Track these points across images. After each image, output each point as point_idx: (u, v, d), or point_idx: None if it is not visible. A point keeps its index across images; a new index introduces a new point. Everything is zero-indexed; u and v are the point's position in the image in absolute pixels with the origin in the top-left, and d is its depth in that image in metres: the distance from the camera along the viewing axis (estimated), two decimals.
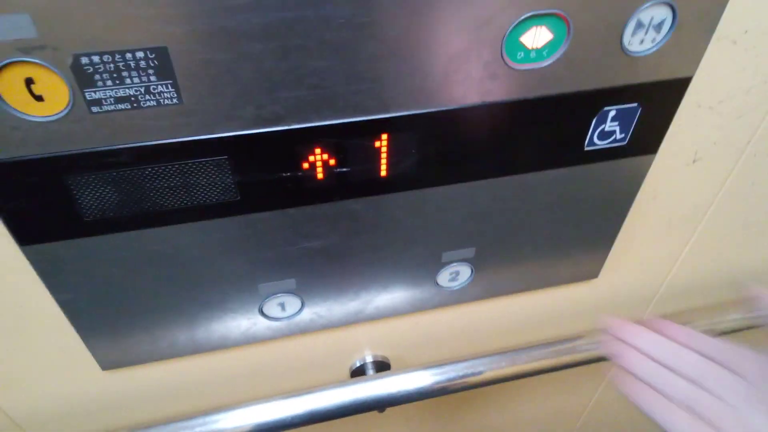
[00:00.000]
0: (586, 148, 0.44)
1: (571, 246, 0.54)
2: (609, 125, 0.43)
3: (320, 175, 0.39)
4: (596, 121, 0.42)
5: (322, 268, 0.47)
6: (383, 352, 0.62)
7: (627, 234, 0.55)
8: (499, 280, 0.56)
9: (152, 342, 0.48)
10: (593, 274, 0.59)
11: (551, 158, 0.44)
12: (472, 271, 0.53)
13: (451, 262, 0.51)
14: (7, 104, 0.30)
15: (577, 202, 0.49)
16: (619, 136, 0.44)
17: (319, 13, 0.31)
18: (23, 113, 0.31)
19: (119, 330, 0.46)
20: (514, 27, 0.34)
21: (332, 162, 0.39)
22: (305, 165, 0.38)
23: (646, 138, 0.45)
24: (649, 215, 0.55)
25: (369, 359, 0.62)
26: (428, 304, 0.56)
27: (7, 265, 0.39)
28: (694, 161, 0.50)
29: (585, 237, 0.53)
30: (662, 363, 0.35)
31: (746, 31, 0.41)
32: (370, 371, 0.61)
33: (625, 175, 0.48)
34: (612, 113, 0.42)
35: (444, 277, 0.53)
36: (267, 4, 0.29)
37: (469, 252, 0.51)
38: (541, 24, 0.35)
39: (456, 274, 0.53)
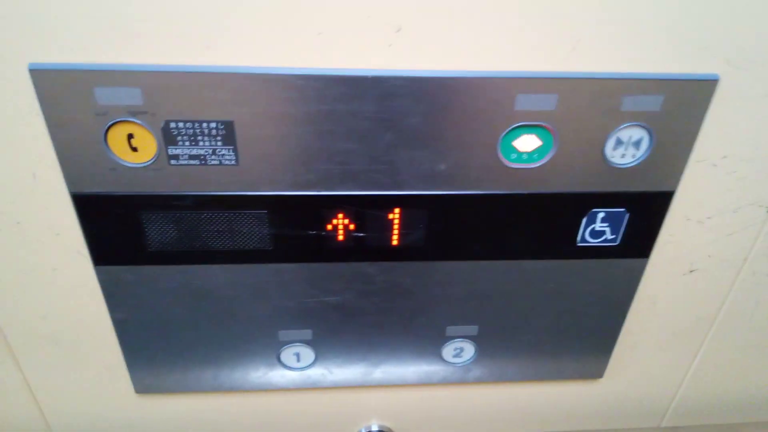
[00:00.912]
0: (579, 244, 0.50)
1: (571, 340, 0.57)
2: (599, 225, 0.49)
3: (340, 237, 0.47)
4: (586, 220, 0.48)
5: (337, 323, 0.53)
6: (389, 422, 0.65)
7: (629, 338, 0.58)
8: (503, 363, 0.59)
9: (182, 373, 0.55)
10: (597, 373, 0.62)
11: (546, 249, 0.50)
12: (475, 350, 0.57)
13: (456, 337, 0.56)
14: (111, 151, 0.40)
15: (574, 295, 0.53)
16: (610, 236, 0.49)
17: (348, 107, 0.40)
18: (121, 159, 0.41)
19: (157, 357, 0.54)
20: (507, 133, 0.42)
21: (351, 227, 0.46)
22: (329, 227, 0.46)
23: (637, 242, 0.50)
24: (650, 321, 0.58)
25: (375, 427, 0.65)
26: (434, 378, 0.60)
27: (83, 280, 0.48)
28: (690, 271, 0.54)
29: (584, 333, 0.57)
30: None
31: (725, 156, 0.47)
32: None
33: (619, 275, 0.52)
34: (601, 215, 0.48)
35: (449, 352, 0.57)
36: (308, 97, 0.39)
37: (473, 330, 0.56)
38: (530, 132, 0.42)
39: (460, 350, 0.57)
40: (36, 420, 0.58)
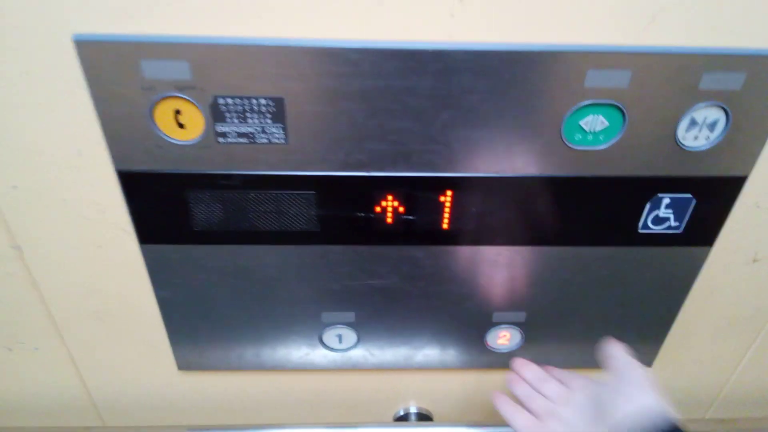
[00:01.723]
0: (640, 231, 0.47)
1: (621, 329, 0.55)
2: (663, 212, 0.46)
3: (389, 220, 0.45)
4: (650, 206, 0.45)
5: (380, 306, 0.52)
6: (428, 405, 0.64)
7: (683, 327, 0.56)
8: (550, 351, 0.57)
9: (225, 351, 0.55)
10: (646, 363, 0.59)
11: (605, 235, 0.47)
12: (522, 337, 0.56)
13: (502, 323, 0.54)
14: (157, 127, 0.39)
15: (629, 283, 0.51)
16: (673, 223, 0.47)
17: (405, 83, 0.38)
18: (168, 136, 0.39)
19: (199, 334, 0.53)
20: (573, 112, 0.39)
21: (401, 209, 0.44)
22: (378, 209, 0.44)
23: (702, 229, 0.47)
24: (706, 311, 0.55)
25: (413, 409, 0.65)
26: (476, 363, 0.58)
27: (128, 258, 0.47)
28: (754, 261, 0.51)
29: (637, 322, 0.55)
30: (533, 386, 0.51)
31: None
32: (413, 420, 0.64)
33: (679, 263, 0.50)
34: (666, 201, 0.45)
35: (493, 337, 0.56)
36: (363, 72, 0.37)
37: (520, 316, 0.54)
38: (598, 113, 0.40)
39: (506, 337, 0.56)
40: (81, 395, 0.59)
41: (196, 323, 0.52)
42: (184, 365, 0.56)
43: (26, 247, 0.46)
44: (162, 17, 0.35)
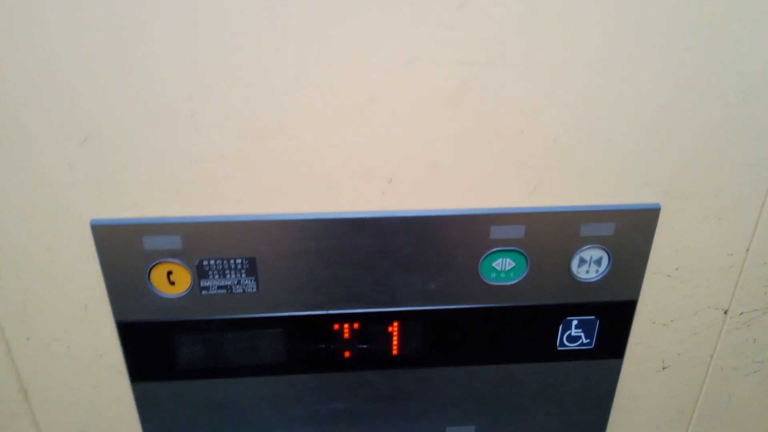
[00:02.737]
0: (559, 348, 0.56)
1: None
2: (575, 331, 0.55)
3: (347, 349, 0.53)
4: (563, 327, 0.55)
5: (345, 428, 0.58)
6: None
7: None
8: None
9: None
10: None
11: (531, 353, 0.56)
12: None
13: None
14: (153, 285, 0.48)
15: (560, 395, 0.59)
16: (585, 340, 0.56)
17: (352, 242, 0.48)
18: (161, 292, 0.48)
19: None
20: (486, 256, 0.50)
21: (356, 340, 0.53)
22: (336, 340, 0.53)
23: (610, 344, 0.56)
24: (634, 417, 0.63)
25: None
26: None
27: (119, 397, 0.54)
28: (663, 368, 0.60)
29: (573, 431, 0.62)
30: None
31: (677, 268, 0.54)
32: None
33: (598, 374, 0.58)
34: (575, 322, 0.55)
35: None
36: (319, 236, 0.47)
37: (470, 430, 0.61)
38: (505, 257, 0.50)
39: None
40: None
41: None
42: None
43: (31, 390, 0.53)
44: (160, 204, 0.46)
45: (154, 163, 0.44)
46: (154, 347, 0.51)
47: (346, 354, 0.54)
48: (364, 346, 0.53)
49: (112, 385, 0.53)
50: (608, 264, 0.52)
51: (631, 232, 0.50)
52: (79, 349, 0.51)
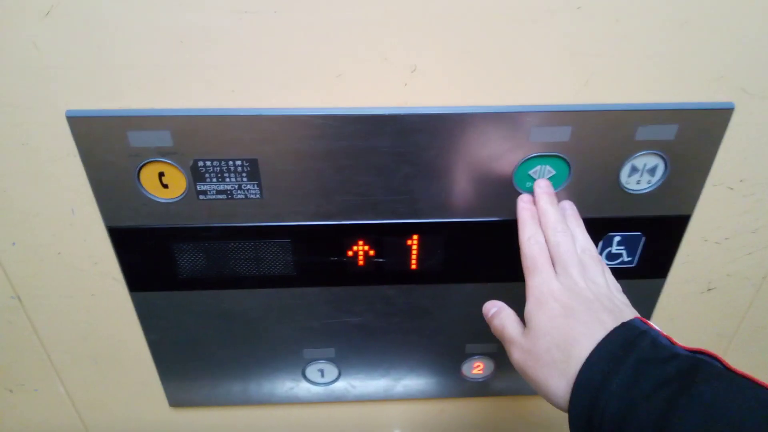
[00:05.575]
0: None
1: None
2: (616, 248, 0.49)
3: (361, 262, 0.48)
4: (602, 243, 0.49)
5: (359, 342, 0.55)
6: None
7: None
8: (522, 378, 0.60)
9: (213, 388, 0.58)
10: None
11: None
12: (495, 366, 0.59)
13: (475, 354, 0.57)
14: (143, 188, 0.43)
15: None
16: (626, 258, 0.50)
17: (366, 144, 0.41)
18: (153, 195, 0.43)
19: (188, 373, 0.56)
20: (522, 163, 0.43)
21: (371, 253, 0.48)
22: (350, 253, 0.48)
23: (654, 263, 0.51)
24: None
25: None
26: (454, 392, 0.61)
27: (119, 305, 0.50)
28: (709, 290, 0.55)
29: None
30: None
31: (741, 180, 0.47)
32: None
33: (637, 294, 0.53)
34: (617, 239, 0.49)
35: (468, 368, 0.59)
36: (329, 135, 0.41)
37: (492, 347, 0.57)
38: (545, 163, 0.43)
39: (480, 367, 0.59)
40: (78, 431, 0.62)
41: (185, 362, 0.55)
42: (175, 402, 0.59)
43: (25, 297, 0.49)
44: (144, 93, 0.39)
45: (134, 44, 0.37)
46: (151, 255, 0.47)
47: (360, 267, 0.49)
48: (381, 260, 0.49)
49: (109, 293, 0.49)
50: (663, 173, 0.45)
51: (695, 136, 0.43)
52: (71, 255, 0.47)
